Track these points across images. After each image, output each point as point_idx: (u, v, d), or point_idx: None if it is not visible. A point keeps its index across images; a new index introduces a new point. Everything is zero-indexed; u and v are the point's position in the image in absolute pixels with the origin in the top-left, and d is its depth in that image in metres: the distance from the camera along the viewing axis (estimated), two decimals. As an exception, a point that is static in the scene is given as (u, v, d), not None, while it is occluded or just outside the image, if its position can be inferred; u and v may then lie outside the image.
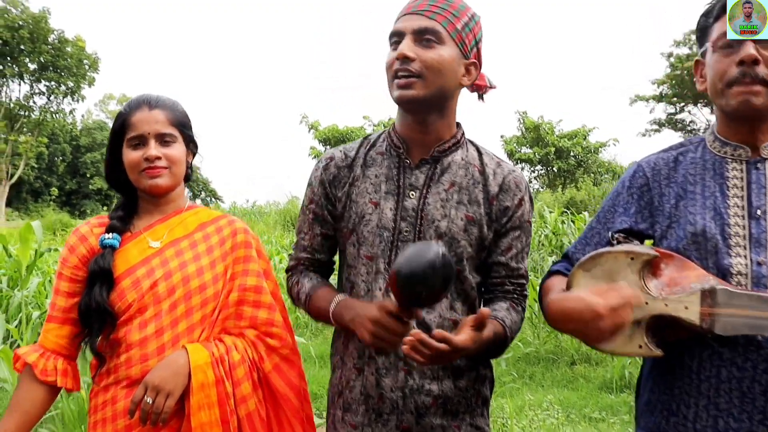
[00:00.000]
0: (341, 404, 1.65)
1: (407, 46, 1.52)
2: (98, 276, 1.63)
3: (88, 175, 44.88)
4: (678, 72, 27.29)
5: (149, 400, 1.51)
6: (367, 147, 1.72)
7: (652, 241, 1.55)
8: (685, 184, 1.49)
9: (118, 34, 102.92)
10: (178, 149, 1.73)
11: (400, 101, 1.57)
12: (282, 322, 1.78)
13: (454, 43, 1.57)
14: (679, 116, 29.90)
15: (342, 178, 1.69)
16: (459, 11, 1.59)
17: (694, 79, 1.57)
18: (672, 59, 27.52)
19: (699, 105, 28.68)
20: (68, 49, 33.52)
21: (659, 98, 29.00)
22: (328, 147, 23.70)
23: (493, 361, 4.63)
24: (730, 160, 1.46)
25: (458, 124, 1.70)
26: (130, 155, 1.68)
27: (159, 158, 1.67)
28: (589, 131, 26.18)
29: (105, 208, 36.18)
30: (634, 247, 1.38)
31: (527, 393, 5.07)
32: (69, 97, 35.12)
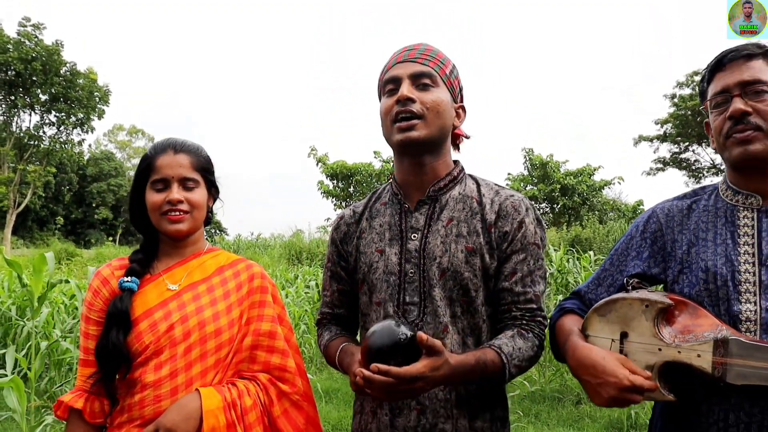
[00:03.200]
0: None
1: (407, 89, 1.60)
2: (115, 318, 1.65)
3: (93, 205, 45.15)
4: (681, 112, 27.47)
5: None
6: (373, 200, 1.80)
7: (662, 285, 1.60)
8: (698, 231, 1.54)
9: (127, 65, 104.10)
10: (199, 194, 1.77)
11: (403, 144, 1.61)
12: (295, 368, 1.80)
13: (445, 87, 1.67)
14: (683, 155, 30.02)
15: (351, 234, 1.78)
16: (445, 59, 1.70)
17: (710, 139, 1.62)
18: (675, 100, 27.73)
19: (703, 144, 28.81)
20: (80, 81, 33.95)
21: (663, 138, 29.16)
22: (335, 182, 23.77)
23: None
24: (741, 208, 1.51)
25: (456, 162, 1.76)
26: (153, 197, 1.72)
27: (181, 202, 1.72)
28: (595, 170, 26.26)
29: (110, 238, 36.29)
30: (650, 294, 1.43)
31: (533, 432, 5.06)
32: (78, 128, 35.45)
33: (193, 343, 1.67)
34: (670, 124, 28.36)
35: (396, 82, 1.64)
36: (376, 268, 1.67)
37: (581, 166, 26.16)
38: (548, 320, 1.69)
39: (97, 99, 35.11)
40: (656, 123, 28.92)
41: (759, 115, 1.44)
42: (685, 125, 27.65)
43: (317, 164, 23.73)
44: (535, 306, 1.62)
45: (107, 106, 35.95)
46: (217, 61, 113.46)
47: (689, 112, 26.84)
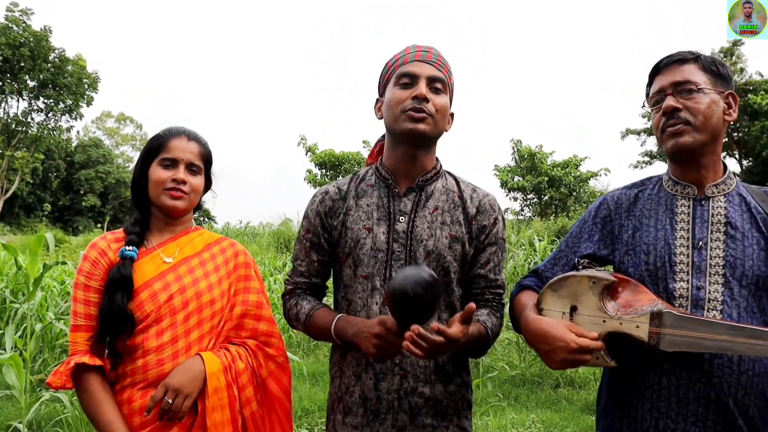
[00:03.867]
0: (341, 409, 1.84)
1: (426, 90, 1.79)
2: (119, 283, 1.79)
3: (81, 192, 44.94)
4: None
5: (169, 400, 1.71)
6: (357, 181, 1.95)
7: (612, 266, 1.78)
8: (642, 217, 1.74)
9: (117, 51, 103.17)
10: (200, 180, 1.94)
11: (411, 133, 1.78)
12: (280, 333, 2.01)
13: (449, 94, 1.86)
14: (669, 149, 30.28)
15: (337, 209, 1.91)
16: (450, 70, 1.89)
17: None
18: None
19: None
20: (69, 67, 33.81)
21: (650, 131, 29.39)
22: (324, 171, 23.91)
23: (479, 383, 4.89)
24: (679, 197, 1.71)
25: (437, 158, 1.95)
26: (160, 173, 1.88)
27: (184, 182, 1.88)
28: (581, 161, 26.49)
29: (98, 225, 36.26)
30: (596, 272, 1.61)
31: (511, 413, 5.25)
32: (67, 114, 35.31)
33: (191, 312, 1.84)
34: (656, 118, 28.60)
35: (413, 78, 1.81)
36: (363, 244, 1.83)
37: (568, 157, 26.38)
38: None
39: (86, 86, 35.00)
40: (643, 117, 29.17)
41: (688, 111, 1.64)
42: (672, 118, 27.87)
43: (306, 153, 23.87)
44: (502, 291, 1.88)
45: (96, 92, 35.85)
46: (217, 60, 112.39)
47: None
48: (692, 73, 1.67)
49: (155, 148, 1.92)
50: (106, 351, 1.83)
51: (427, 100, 1.78)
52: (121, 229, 1.97)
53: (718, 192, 1.69)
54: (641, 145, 30.32)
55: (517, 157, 27.36)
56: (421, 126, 1.77)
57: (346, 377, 1.85)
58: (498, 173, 27.55)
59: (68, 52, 34.86)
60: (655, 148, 30.12)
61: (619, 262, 1.73)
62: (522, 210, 27.88)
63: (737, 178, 1.76)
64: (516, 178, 26.97)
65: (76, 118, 35.96)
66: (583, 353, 1.51)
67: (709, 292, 1.58)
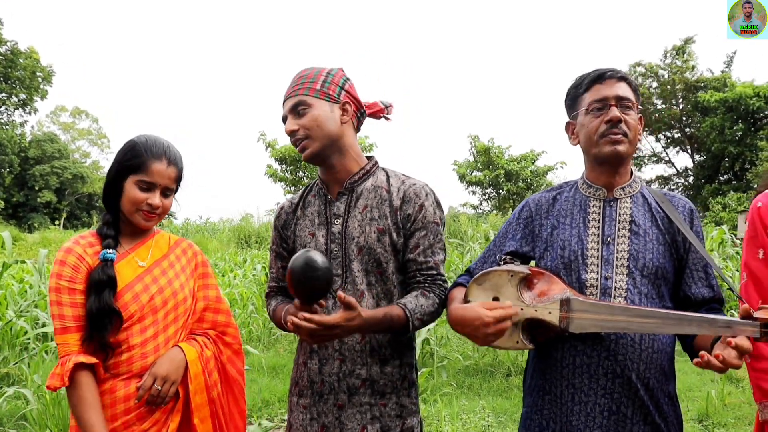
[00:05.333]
0: (297, 392, 2.07)
1: (290, 123, 2.00)
2: (105, 283, 1.92)
3: (36, 188, 43.85)
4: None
5: (158, 387, 1.91)
6: (306, 192, 2.18)
7: (534, 261, 2.00)
8: (559, 217, 1.96)
9: (72, 45, 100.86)
10: (171, 200, 2.09)
11: (306, 160, 2.04)
12: (235, 324, 2.25)
13: (320, 100, 2.00)
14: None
15: (289, 221, 2.16)
16: (314, 77, 2.02)
17: (568, 137, 2.02)
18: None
19: (644, 132, 29.79)
20: (21, 60, 33.10)
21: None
22: (284, 166, 23.89)
23: (434, 372, 5.16)
24: (592, 199, 1.93)
25: (370, 158, 2.14)
26: (137, 194, 1.98)
27: (158, 207, 2.02)
28: (538, 155, 26.92)
29: (56, 222, 35.55)
30: (514, 267, 1.83)
31: (463, 400, 5.49)
32: (21, 109, 34.57)
33: (169, 309, 2.04)
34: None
35: (284, 118, 2.04)
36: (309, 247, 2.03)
37: (525, 152, 26.80)
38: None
39: (39, 79, 34.29)
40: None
41: (626, 125, 1.86)
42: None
43: (266, 149, 23.80)
44: (435, 272, 2.03)
45: (50, 86, 35.16)
46: (213, 61, 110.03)
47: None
48: (628, 91, 1.89)
49: (135, 166, 1.99)
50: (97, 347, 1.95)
51: (294, 130, 1.99)
52: (88, 233, 2.07)
53: (625, 194, 1.91)
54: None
55: (474, 152, 27.67)
56: (306, 151, 2.00)
57: (298, 364, 2.08)
58: (456, 167, 27.86)
59: (21, 44, 34.18)
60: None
61: (539, 257, 1.95)
62: (480, 204, 28.29)
63: (642, 181, 1.99)
64: (474, 173, 27.28)
65: (30, 113, 35.28)
66: (499, 323, 1.69)
67: (615, 282, 1.81)
